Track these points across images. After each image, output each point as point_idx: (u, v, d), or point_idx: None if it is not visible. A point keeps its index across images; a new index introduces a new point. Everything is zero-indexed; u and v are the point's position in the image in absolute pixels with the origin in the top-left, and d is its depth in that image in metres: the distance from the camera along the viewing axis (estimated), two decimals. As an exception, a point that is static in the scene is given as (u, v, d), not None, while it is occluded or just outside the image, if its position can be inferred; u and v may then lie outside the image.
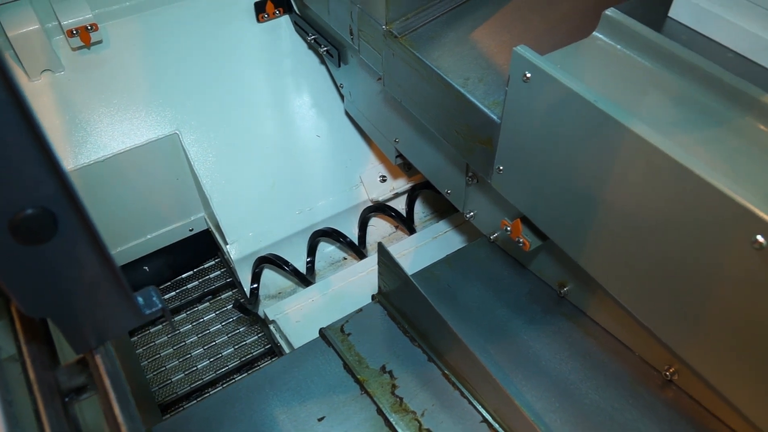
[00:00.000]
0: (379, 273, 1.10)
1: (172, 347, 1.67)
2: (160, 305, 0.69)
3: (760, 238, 0.60)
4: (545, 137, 0.83)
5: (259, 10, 1.56)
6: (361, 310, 1.11)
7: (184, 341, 1.68)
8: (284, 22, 1.60)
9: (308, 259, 1.61)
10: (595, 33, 0.86)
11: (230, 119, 1.58)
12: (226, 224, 1.56)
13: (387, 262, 1.04)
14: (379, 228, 1.73)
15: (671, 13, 0.84)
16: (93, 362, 0.71)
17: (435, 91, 1.03)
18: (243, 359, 1.65)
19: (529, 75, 0.81)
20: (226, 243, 1.56)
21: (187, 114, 1.54)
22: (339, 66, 1.49)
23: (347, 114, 1.66)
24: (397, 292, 1.07)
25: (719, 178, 0.63)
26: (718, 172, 0.64)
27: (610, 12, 0.85)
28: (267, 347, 1.66)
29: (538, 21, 1.04)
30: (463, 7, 1.11)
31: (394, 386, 0.97)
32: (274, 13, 1.57)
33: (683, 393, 0.88)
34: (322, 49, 1.49)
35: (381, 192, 1.69)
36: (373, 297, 1.13)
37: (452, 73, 0.99)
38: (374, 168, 1.70)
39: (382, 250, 1.04)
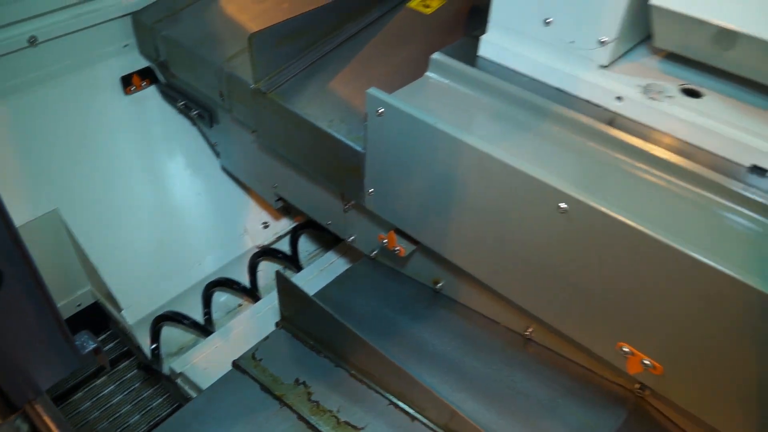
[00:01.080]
0: (280, 300, 1.22)
1: (75, 426, 1.64)
2: (93, 344, 0.77)
3: (562, 204, 0.83)
4: (402, 158, 1.03)
5: (126, 83, 1.65)
6: (267, 337, 1.22)
7: (87, 419, 1.66)
8: (152, 92, 1.70)
9: (205, 311, 1.68)
10: (427, 73, 1.09)
11: (109, 189, 1.63)
12: (118, 291, 1.59)
13: (286, 287, 1.17)
14: (269, 271, 1.84)
15: (480, 52, 1.08)
16: (35, 411, 0.76)
17: (306, 135, 1.20)
18: (151, 423, 1.66)
19: (382, 110, 1.00)
20: (120, 309, 1.59)
21: (65, 189, 1.57)
22: (211, 126, 1.61)
23: (224, 169, 1.78)
24: (298, 313, 1.19)
25: (531, 167, 0.85)
26: (531, 163, 0.86)
27: (436, 56, 1.07)
28: (175, 405, 1.68)
29: (383, 68, 1.26)
30: (320, 62, 1.30)
31: (309, 394, 1.09)
32: (141, 85, 1.67)
33: (541, 346, 1.10)
34: (193, 113, 1.61)
35: (265, 237, 1.81)
36: (276, 324, 1.25)
37: (319, 118, 1.17)
38: (257, 215, 1.82)
39: (280, 277, 1.17)
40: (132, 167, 1.69)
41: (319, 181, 1.35)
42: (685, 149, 0.88)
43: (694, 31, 0.84)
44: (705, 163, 0.85)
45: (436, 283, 1.23)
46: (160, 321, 1.60)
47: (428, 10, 1.37)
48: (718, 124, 0.86)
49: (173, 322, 1.61)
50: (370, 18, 1.38)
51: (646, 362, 0.86)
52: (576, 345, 0.99)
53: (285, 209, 1.76)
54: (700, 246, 0.74)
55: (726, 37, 0.82)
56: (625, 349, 0.87)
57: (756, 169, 0.84)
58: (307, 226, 1.82)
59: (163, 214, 1.71)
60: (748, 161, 0.85)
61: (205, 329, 1.63)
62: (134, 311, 1.59)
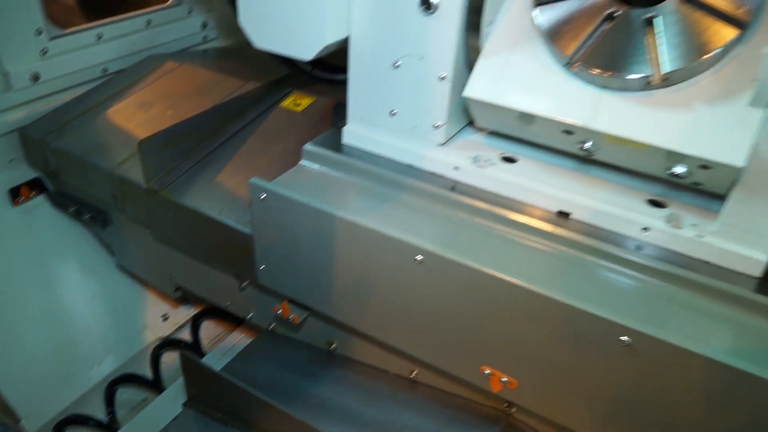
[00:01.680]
0: (185, 381, 1.29)
1: None
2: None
3: (419, 257, 1.02)
4: (286, 234, 1.19)
5: (14, 195, 1.69)
6: (176, 418, 1.28)
7: None
8: (41, 200, 1.76)
9: (108, 409, 1.68)
10: (301, 162, 1.27)
11: (1, 300, 1.64)
12: (15, 400, 1.57)
13: (190, 366, 1.26)
14: (172, 362, 1.88)
15: (343, 141, 1.29)
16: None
17: (198, 225, 1.33)
18: None
19: (264, 196, 1.17)
20: (18, 420, 1.56)
21: (-48, 304, 1.56)
22: (104, 228, 1.69)
23: (120, 267, 1.83)
24: (204, 390, 1.27)
25: (390, 229, 1.04)
26: (391, 227, 1.05)
27: (307, 146, 1.27)
28: None
29: (264, 159, 1.43)
30: (207, 159, 1.45)
31: (222, 463, 1.16)
32: (30, 195, 1.72)
33: (426, 385, 1.25)
34: (85, 217, 1.68)
35: (166, 329, 1.86)
36: (183, 405, 1.32)
37: (209, 208, 1.31)
38: (156, 308, 1.88)
39: (185, 357, 1.25)
40: (23, 276, 1.70)
41: (214, 265, 1.47)
42: (508, 203, 1.11)
43: (501, 114, 1.10)
44: (524, 212, 1.08)
45: (330, 344, 1.36)
46: (62, 426, 1.58)
47: (299, 108, 1.58)
48: (529, 181, 1.10)
49: (76, 425, 1.60)
50: (248, 118, 1.57)
51: (504, 379, 1.04)
52: (453, 378, 1.16)
53: (184, 298, 1.83)
54: (525, 276, 0.94)
55: (526, 117, 1.08)
56: (486, 371, 1.05)
57: (561, 214, 1.09)
58: (208, 312, 1.90)
59: (57, 319, 1.73)
60: (555, 208, 1.09)
61: (109, 428, 1.63)
62: (34, 419, 1.57)
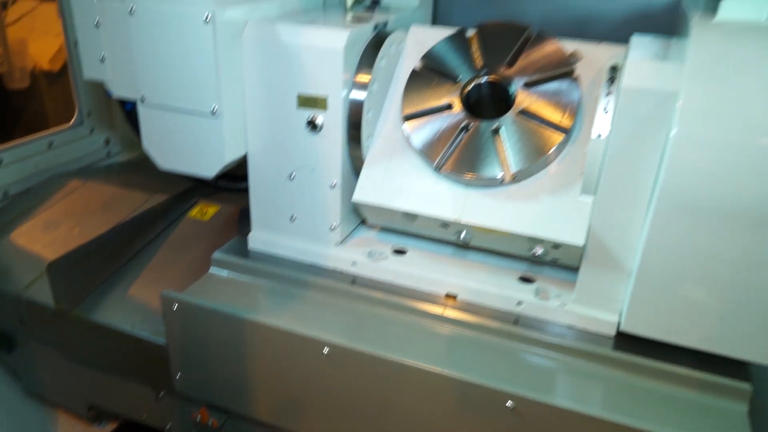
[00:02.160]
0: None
1: None
2: None
3: (325, 350, 1.12)
4: (200, 342, 1.25)
5: None
6: None
7: None
8: (-62, 331, 1.70)
9: None
10: (210, 270, 1.36)
11: None
12: None
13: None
14: (87, 486, 1.81)
15: (250, 246, 1.39)
16: None
17: (111, 340, 1.36)
18: None
19: (176, 306, 1.23)
20: None
21: None
22: (10, 353, 1.66)
23: (27, 391, 1.78)
24: None
25: (298, 327, 1.14)
26: (298, 324, 1.15)
27: (215, 255, 1.35)
28: None
29: (174, 270, 1.49)
30: (117, 274, 1.50)
31: None
32: (-74, 327, 1.66)
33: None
34: (-12, 343, 1.64)
35: (80, 451, 1.80)
36: None
37: (121, 323, 1.35)
38: (69, 431, 1.81)
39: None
40: None
41: (129, 379, 1.48)
42: (402, 291, 1.24)
43: (387, 214, 1.25)
44: (416, 297, 1.22)
45: (251, 443, 1.40)
46: None
47: (206, 217, 1.67)
48: (418, 270, 1.25)
49: None
50: (157, 230, 1.64)
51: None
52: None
53: (97, 416, 1.79)
54: (421, 357, 1.06)
55: (408, 215, 1.23)
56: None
57: (449, 296, 1.23)
58: (123, 428, 1.85)
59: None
60: (443, 292, 1.23)
61: None
62: None
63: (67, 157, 2.02)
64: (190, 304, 1.22)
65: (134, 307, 1.39)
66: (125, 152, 2.23)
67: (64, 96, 2.11)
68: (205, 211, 1.69)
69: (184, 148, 1.26)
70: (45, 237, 1.65)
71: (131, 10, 1.17)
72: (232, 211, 1.69)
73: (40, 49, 2.61)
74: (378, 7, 1.49)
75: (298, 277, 1.29)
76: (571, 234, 1.08)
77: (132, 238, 1.58)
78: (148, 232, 1.61)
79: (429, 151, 1.18)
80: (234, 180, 1.72)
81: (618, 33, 1.64)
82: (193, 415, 1.36)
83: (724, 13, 0.96)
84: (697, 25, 0.94)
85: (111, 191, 1.84)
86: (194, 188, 1.79)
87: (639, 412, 0.99)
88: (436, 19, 1.81)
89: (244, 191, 1.45)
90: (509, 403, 1.00)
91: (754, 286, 0.95)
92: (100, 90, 2.04)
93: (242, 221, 1.61)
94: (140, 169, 2.09)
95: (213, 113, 1.19)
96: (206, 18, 1.11)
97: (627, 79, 0.96)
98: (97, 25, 1.27)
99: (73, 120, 2.04)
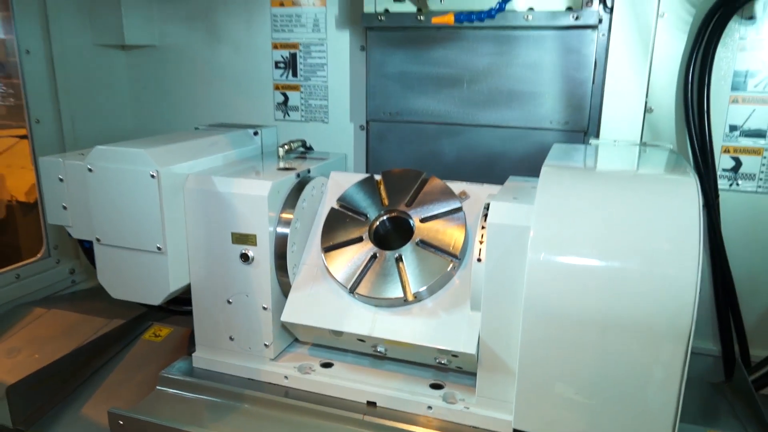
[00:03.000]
0: None
1: None
2: None
3: (254, 459, 1.25)
4: (144, 458, 1.37)
5: None
6: None
7: None
8: None
9: None
10: (157, 387, 1.50)
11: None
12: None
13: None
14: None
15: (194, 365, 1.54)
16: None
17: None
18: None
19: (122, 422, 1.36)
20: None
21: None
22: (-36, 479, 1.72)
23: None
24: None
25: (229, 439, 1.27)
26: (229, 436, 1.28)
27: (162, 373, 1.50)
28: None
29: (126, 389, 1.62)
30: (72, 396, 1.62)
31: None
32: None
33: None
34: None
35: None
36: None
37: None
38: None
39: None
40: None
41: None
42: (328, 400, 1.40)
43: (312, 331, 1.43)
44: (341, 406, 1.37)
45: None
46: None
47: (159, 339, 1.83)
48: (342, 381, 1.41)
49: None
50: (113, 352, 1.78)
51: None
52: None
53: None
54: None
55: (331, 331, 1.41)
56: None
57: (369, 404, 1.38)
58: None
59: None
60: (364, 400, 1.39)
61: None
62: None
63: (33, 287, 2.18)
64: (134, 419, 1.35)
65: (85, 425, 1.51)
66: (89, 280, 2.40)
67: (36, 227, 2.30)
68: (158, 333, 1.85)
69: (134, 279, 1.45)
70: (7, 362, 1.77)
71: (90, 168, 1.40)
72: (183, 332, 1.84)
73: (17, 182, 2.84)
74: (309, 153, 1.75)
75: (237, 391, 1.44)
76: (465, 344, 1.27)
77: (89, 361, 1.72)
78: (104, 354, 1.76)
79: (342, 277, 1.38)
80: (185, 304, 1.89)
81: (518, 167, 1.93)
82: None
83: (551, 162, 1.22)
84: (545, 173, 1.20)
85: (73, 317, 1.99)
86: (149, 312, 1.95)
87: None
88: (369, 160, 2.09)
89: (185, 314, 1.63)
90: (412, 500, 1.14)
91: (610, 382, 1.13)
92: (67, 223, 2.25)
93: (191, 342, 1.77)
94: (102, 295, 2.24)
95: (159, 250, 1.39)
96: (153, 173, 1.34)
97: (490, 216, 1.20)
98: (60, 180, 1.50)
99: (41, 253, 2.22)
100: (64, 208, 1.52)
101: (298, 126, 2.30)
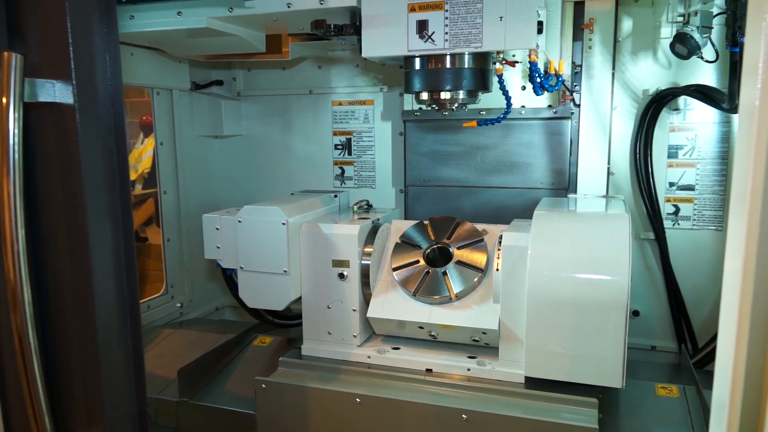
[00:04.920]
0: None
1: None
2: None
3: (357, 400, 1.93)
4: (278, 407, 2.04)
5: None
6: None
7: None
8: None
9: None
10: (279, 368, 2.18)
11: None
12: None
13: None
14: None
15: (303, 353, 2.23)
16: None
17: (214, 416, 2.14)
18: None
19: (264, 385, 2.05)
20: None
21: None
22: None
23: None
24: None
25: (340, 387, 1.97)
26: (340, 387, 1.97)
27: (281, 359, 2.19)
28: None
29: (249, 375, 2.30)
30: (210, 382, 2.30)
31: None
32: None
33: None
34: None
35: None
36: None
37: (223, 404, 2.13)
38: None
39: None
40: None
41: (221, 453, 2.22)
42: (398, 370, 2.08)
43: (386, 324, 2.13)
44: (408, 371, 2.05)
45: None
46: None
47: (264, 345, 2.52)
48: (408, 358, 2.10)
49: None
50: (234, 354, 2.47)
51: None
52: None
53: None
54: (410, 397, 1.89)
55: (399, 323, 2.11)
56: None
57: (428, 371, 2.07)
58: None
59: None
60: (424, 368, 2.08)
61: None
62: None
63: (157, 315, 2.89)
64: (272, 383, 2.04)
65: (228, 396, 2.19)
66: (191, 313, 3.11)
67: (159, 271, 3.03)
68: (264, 341, 2.55)
69: (266, 293, 2.17)
70: (159, 362, 2.46)
71: (240, 221, 2.15)
72: (281, 340, 2.54)
73: (153, 235, 3.62)
74: (371, 209, 2.51)
75: (334, 367, 2.13)
76: (490, 323, 1.98)
77: (219, 359, 2.41)
78: (228, 355, 2.45)
79: (408, 286, 2.11)
80: (282, 318, 2.60)
81: (519, 214, 2.68)
82: (271, 468, 2.09)
83: (542, 208, 1.98)
84: (537, 216, 1.94)
85: (194, 335, 2.70)
86: (252, 328, 2.65)
87: (540, 413, 1.81)
88: (407, 213, 2.85)
89: (287, 326, 2.33)
90: (464, 416, 1.82)
91: (581, 339, 1.83)
92: (178, 270, 2.99)
93: (289, 346, 2.47)
94: (205, 322, 2.97)
95: (284, 272, 2.13)
96: (283, 222, 2.10)
97: (504, 242, 1.94)
98: (217, 229, 2.25)
99: (161, 291, 2.95)
100: (218, 247, 2.26)
101: (353, 191, 3.08)
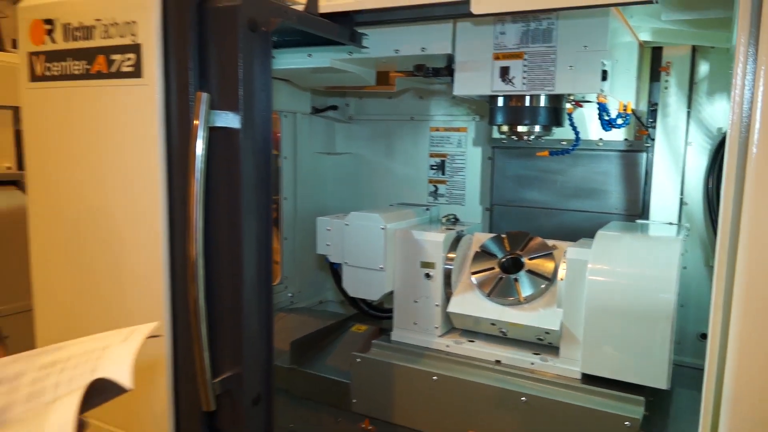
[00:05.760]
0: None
1: None
2: None
3: (434, 378, 2.32)
4: (369, 378, 2.47)
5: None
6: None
7: None
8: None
9: None
10: (372, 349, 2.62)
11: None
12: None
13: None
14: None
15: (392, 339, 2.66)
16: None
17: (317, 383, 2.61)
18: None
19: (359, 360, 2.49)
20: None
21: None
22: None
23: None
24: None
25: (421, 367, 2.37)
26: (420, 366, 2.38)
27: (374, 342, 2.62)
28: None
29: (347, 354, 2.76)
30: (315, 356, 2.78)
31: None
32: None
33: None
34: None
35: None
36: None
37: (324, 373, 2.60)
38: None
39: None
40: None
41: (320, 410, 2.68)
42: (472, 359, 2.44)
43: (464, 319, 2.51)
44: (480, 360, 2.41)
45: (388, 450, 2.52)
46: None
47: (360, 331, 2.97)
48: (481, 349, 2.46)
49: None
50: (335, 336, 2.94)
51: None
52: (454, 451, 2.34)
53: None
54: (484, 380, 2.26)
55: (475, 319, 2.48)
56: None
57: (497, 362, 2.42)
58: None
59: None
60: (494, 359, 2.43)
61: None
62: None
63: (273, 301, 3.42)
64: (366, 358, 2.47)
65: (329, 367, 2.65)
66: (300, 302, 3.63)
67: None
68: (360, 328, 3.00)
69: (364, 285, 2.62)
70: (275, 338, 2.97)
71: (347, 224, 2.62)
72: (374, 329, 2.98)
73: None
74: (458, 222, 2.90)
75: (418, 351, 2.53)
76: (553, 324, 2.30)
77: (323, 338, 2.89)
78: (330, 336, 2.92)
79: (483, 288, 2.47)
80: (375, 310, 3.05)
81: (593, 236, 2.97)
82: (359, 425, 2.52)
83: (605, 230, 2.28)
84: (599, 236, 2.26)
85: (303, 318, 3.20)
86: (350, 317, 3.12)
87: (590, 403, 2.11)
88: (492, 229, 3.21)
89: (379, 318, 2.76)
90: (523, 398, 2.16)
91: (632, 345, 2.11)
92: (291, 265, 3.52)
93: (381, 333, 2.90)
94: (312, 311, 3.48)
95: (381, 269, 2.56)
96: (382, 227, 2.54)
97: (568, 254, 2.26)
98: (328, 230, 2.73)
99: (277, 281, 3.49)
100: (328, 245, 2.74)
101: (444, 207, 3.48)
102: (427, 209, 2.98)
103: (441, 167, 3.51)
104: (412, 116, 3.55)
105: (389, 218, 2.60)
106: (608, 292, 2.14)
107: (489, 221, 3.27)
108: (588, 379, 2.24)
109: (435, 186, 3.54)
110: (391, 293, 2.65)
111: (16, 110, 3.61)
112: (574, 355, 2.29)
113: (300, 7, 2.07)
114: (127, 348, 1.05)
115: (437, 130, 3.50)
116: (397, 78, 3.08)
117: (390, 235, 2.57)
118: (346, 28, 2.23)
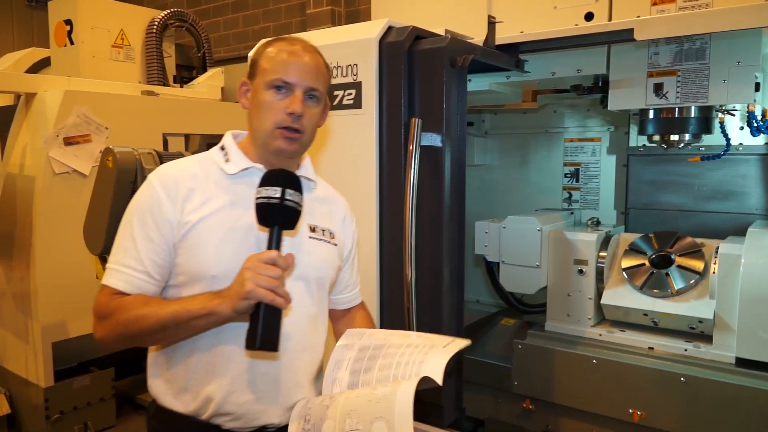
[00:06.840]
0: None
1: None
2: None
3: (594, 361, 2.61)
4: (528, 363, 2.79)
5: None
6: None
7: None
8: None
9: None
10: (527, 337, 2.94)
11: None
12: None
13: None
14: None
15: (546, 328, 2.96)
16: None
17: (481, 369, 2.95)
18: None
19: (520, 346, 2.81)
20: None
21: None
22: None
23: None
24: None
25: (580, 351, 2.67)
26: (581, 349, 2.67)
27: (529, 331, 2.94)
28: None
29: (505, 342, 3.09)
30: (479, 343, 3.13)
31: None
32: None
33: None
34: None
35: None
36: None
37: (487, 359, 2.94)
38: None
39: None
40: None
41: (482, 391, 3.02)
42: (624, 345, 2.70)
43: (615, 310, 2.78)
44: (631, 347, 2.67)
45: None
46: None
47: (509, 324, 3.29)
48: (634, 338, 2.72)
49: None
50: (488, 327, 3.28)
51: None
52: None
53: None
54: (642, 363, 2.52)
55: (625, 310, 2.74)
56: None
57: (650, 348, 2.67)
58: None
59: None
60: (647, 346, 2.68)
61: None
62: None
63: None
64: (527, 345, 2.80)
65: (488, 354, 2.99)
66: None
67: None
68: (508, 322, 3.32)
69: (520, 280, 2.95)
70: (433, 330, 3.36)
71: (504, 227, 2.97)
72: (522, 322, 3.29)
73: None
74: (600, 225, 3.17)
75: (573, 340, 2.82)
76: (707, 313, 2.53)
77: (480, 327, 3.24)
78: (485, 326, 3.27)
79: (635, 280, 2.74)
80: (525, 306, 3.37)
81: (731, 233, 3.15)
82: (520, 405, 2.84)
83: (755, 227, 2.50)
84: (750, 233, 2.47)
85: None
86: (499, 312, 3.45)
87: (748, 381, 2.32)
88: (627, 228, 3.45)
89: (527, 313, 3.08)
90: (682, 379, 2.41)
91: (788, 331, 2.31)
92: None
93: (531, 326, 3.21)
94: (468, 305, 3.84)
95: (537, 266, 2.89)
96: (538, 229, 2.86)
97: (721, 250, 2.49)
98: (486, 232, 3.09)
99: (425, 280, 3.88)
100: (486, 246, 3.10)
101: (577, 212, 3.74)
102: (571, 213, 3.27)
103: (575, 175, 3.78)
104: (546, 129, 3.85)
105: (543, 221, 2.92)
106: (762, 283, 2.35)
107: (624, 224, 3.50)
108: (742, 363, 2.45)
109: (569, 193, 3.81)
110: (544, 288, 2.96)
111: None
112: (728, 341, 2.50)
113: (479, 42, 2.45)
114: (445, 354, 1.41)
115: (572, 141, 3.78)
116: (539, 95, 3.41)
117: (545, 236, 2.89)
118: (512, 56, 2.60)
